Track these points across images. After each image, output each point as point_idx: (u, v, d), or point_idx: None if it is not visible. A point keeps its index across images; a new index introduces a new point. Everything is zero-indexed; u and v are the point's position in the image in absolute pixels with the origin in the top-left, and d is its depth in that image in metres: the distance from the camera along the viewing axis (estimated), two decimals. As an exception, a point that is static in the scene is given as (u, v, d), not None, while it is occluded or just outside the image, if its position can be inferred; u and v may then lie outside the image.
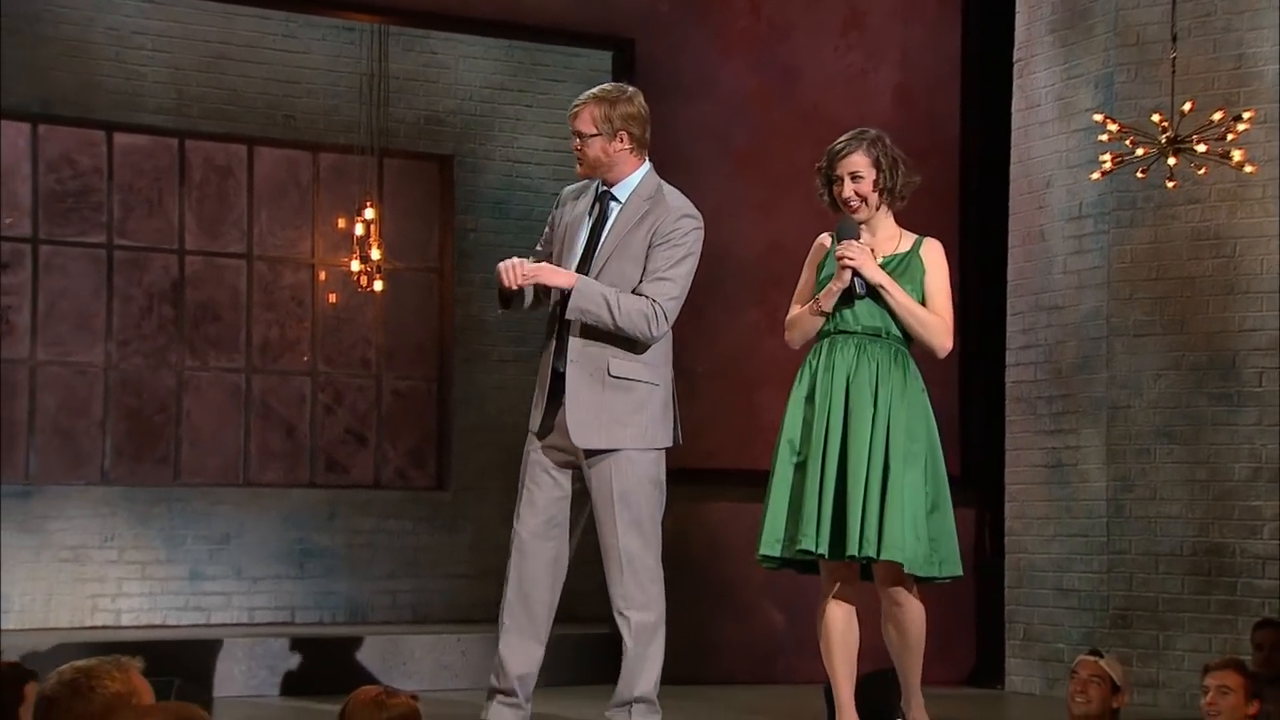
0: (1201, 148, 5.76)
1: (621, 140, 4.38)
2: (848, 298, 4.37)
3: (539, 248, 4.58)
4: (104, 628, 7.57)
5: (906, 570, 4.31)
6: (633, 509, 4.34)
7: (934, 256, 4.45)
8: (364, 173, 8.21)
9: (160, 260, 8.08)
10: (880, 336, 4.35)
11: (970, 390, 7.56)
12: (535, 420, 4.42)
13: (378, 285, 7.95)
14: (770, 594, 7.05)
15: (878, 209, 4.43)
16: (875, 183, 4.39)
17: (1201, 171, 5.92)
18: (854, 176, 4.40)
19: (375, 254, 8.00)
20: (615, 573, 4.37)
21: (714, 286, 7.44)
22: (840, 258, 4.35)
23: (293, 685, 6.36)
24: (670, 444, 4.48)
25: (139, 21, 7.96)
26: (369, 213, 8.04)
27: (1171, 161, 5.79)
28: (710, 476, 7.21)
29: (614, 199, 4.41)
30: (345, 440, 8.41)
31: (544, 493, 4.40)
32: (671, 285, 4.33)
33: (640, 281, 4.33)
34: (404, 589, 8.17)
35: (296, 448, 8.28)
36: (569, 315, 4.28)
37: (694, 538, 7.23)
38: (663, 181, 4.50)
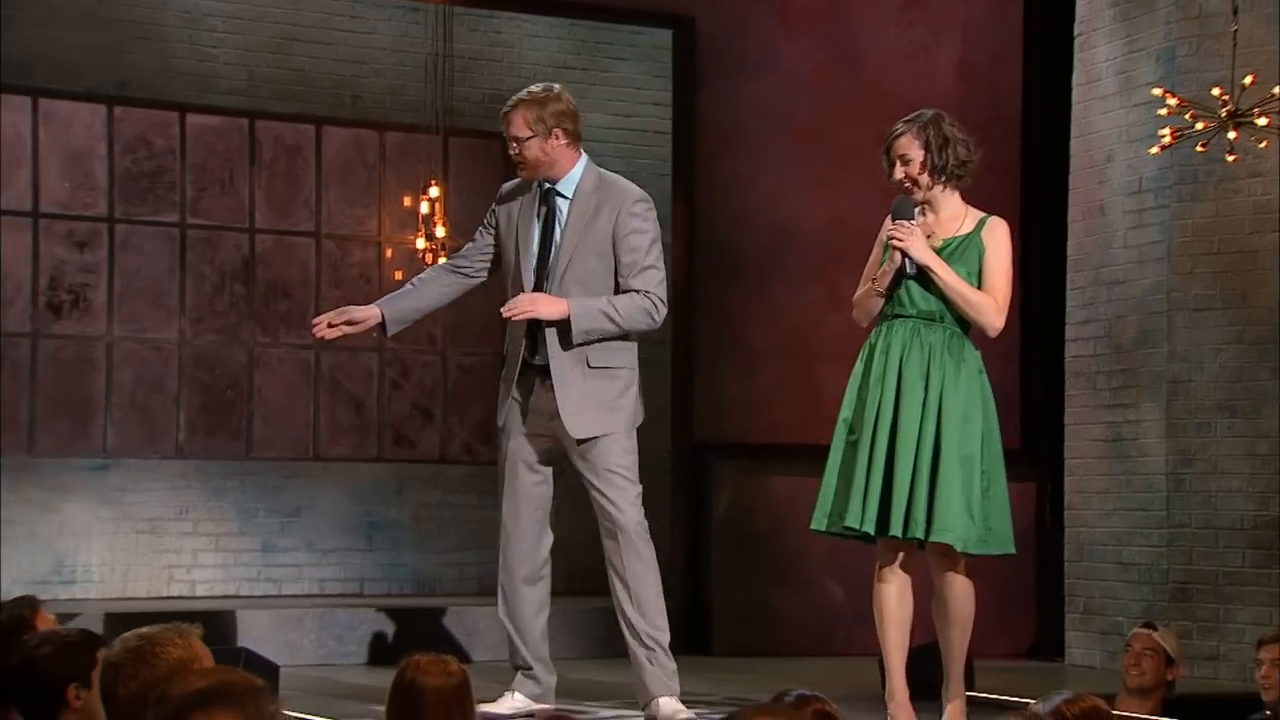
0: (1263, 121, 5.74)
1: (557, 137, 4.49)
2: (900, 277, 4.44)
3: (476, 239, 4.71)
4: (180, 598, 7.76)
5: (959, 549, 4.38)
6: (620, 486, 4.52)
7: (995, 237, 4.48)
8: (429, 151, 8.32)
9: (232, 239, 8.24)
10: (935, 320, 4.41)
11: (1031, 365, 7.57)
12: (513, 417, 4.57)
13: (442, 263, 8.04)
14: (831, 567, 7.11)
15: (931, 189, 4.47)
16: (923, 164, 4.44)
17: (1262, 145, 5.90)
18: (903, 159, 4.46)
19: (440, 231, 8.11)
20: (613, 544, 4.54)
21: (776, 262, 7.51)
22: (889, 238, 4.41)
23: (361, 655, 6.51)
24: (640, 420, 4.66)
25: (210, 4, 8.11)
26: (434, 191, 8.15)
27: (1232, 135, 5.77)
28: (772, 451, 7.29)
29: (560, 195, 4.52)
30: (412, 415, 8.54)
31: (524, 485, 4.59)
32: (656, 271, 4.51)
33: (620, 277, 4.47)
34: (470, 561, 8.30)
35: (365, 423, 8.43)
36: (576, 340, 4.43)
37: (755, 511, 7.31)
38: (600, 169, 4.62)
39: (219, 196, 8.22)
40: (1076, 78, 7.13)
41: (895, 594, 4.49)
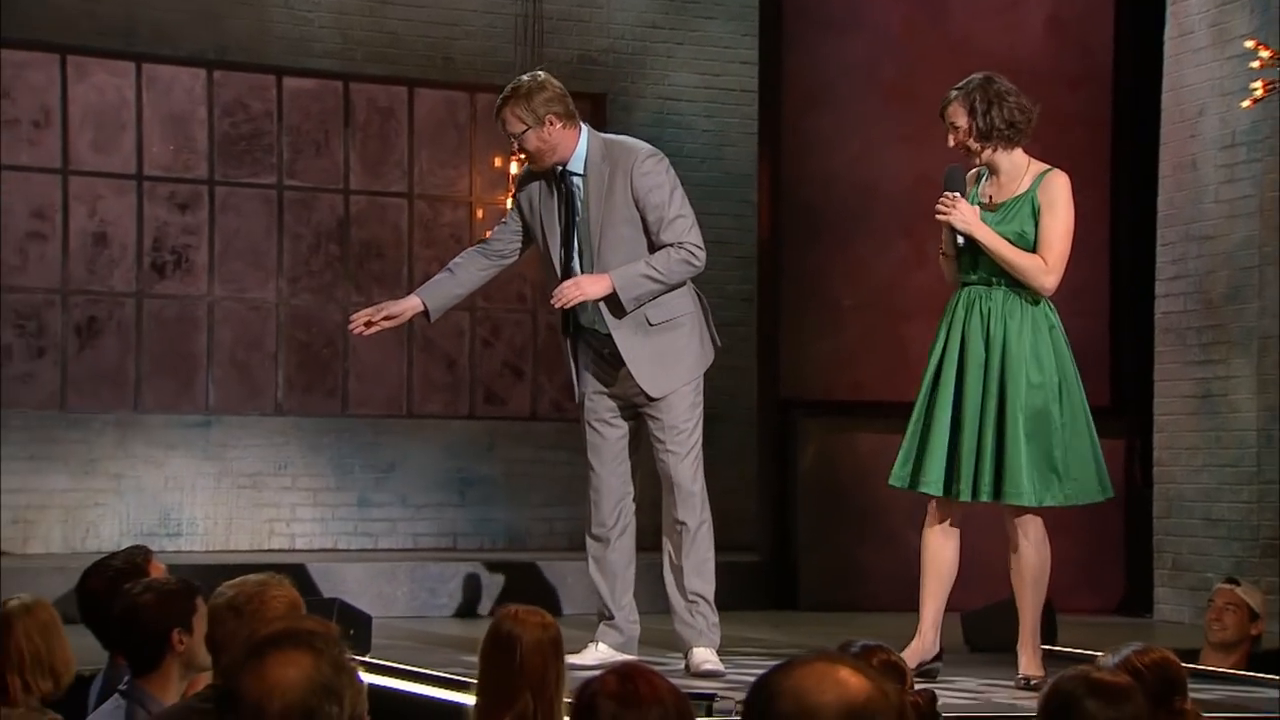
0: (1356, 73, 5.67)
1: (550, 123, 4.55)
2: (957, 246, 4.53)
3: (506, 222, 4.82)
4: (280, 550, 7.97)
5: (1034, 505, 4.45)
6: (679, 442, 4.66)
7: (1050, 194, 4.50)
8: (520, 112, 8.40)
9: (327, 200, 8.42)
10: (993, 285, 4.48)
11: (1120, 321, 7.54)
12: (586, 380, 4.73)
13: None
14: (916, 522, 7.09)
15: (983, 153, 4.52)
16: (968, 130, 4.48)
17: (1356, 98, 5.83)
18: (952, 127, 4.51)
19: (530, 191, 8.20)
20: (670, 497, 4.70)
21: (862, 219, 7.53)
22: (936, 212, 4.49)
23: (452, 607, 6.67)
24: (711, 359, 4.75)
25: (306, -32, 8.26)
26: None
27: (1325, 88, 5.71)
28: (857, 408, 7.33)
29: (573, 175, 4.62)
30: (503, 373, 8.68)
31: (608, 441, 4.73)
32: (684, 220, 4.61)
33: (651, 234, 4.58)
34: (559, 517, 8.42)
35: (457, 381, 8.59)
36: (629, 309, 4.56)
37: (840, 467, 7.36)
38: (602, 134, 4.71)
39: (314, 158, 8.39)
40: (1168, 30, 7.06)
41: (933, 547, 4.61)
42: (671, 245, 4.57)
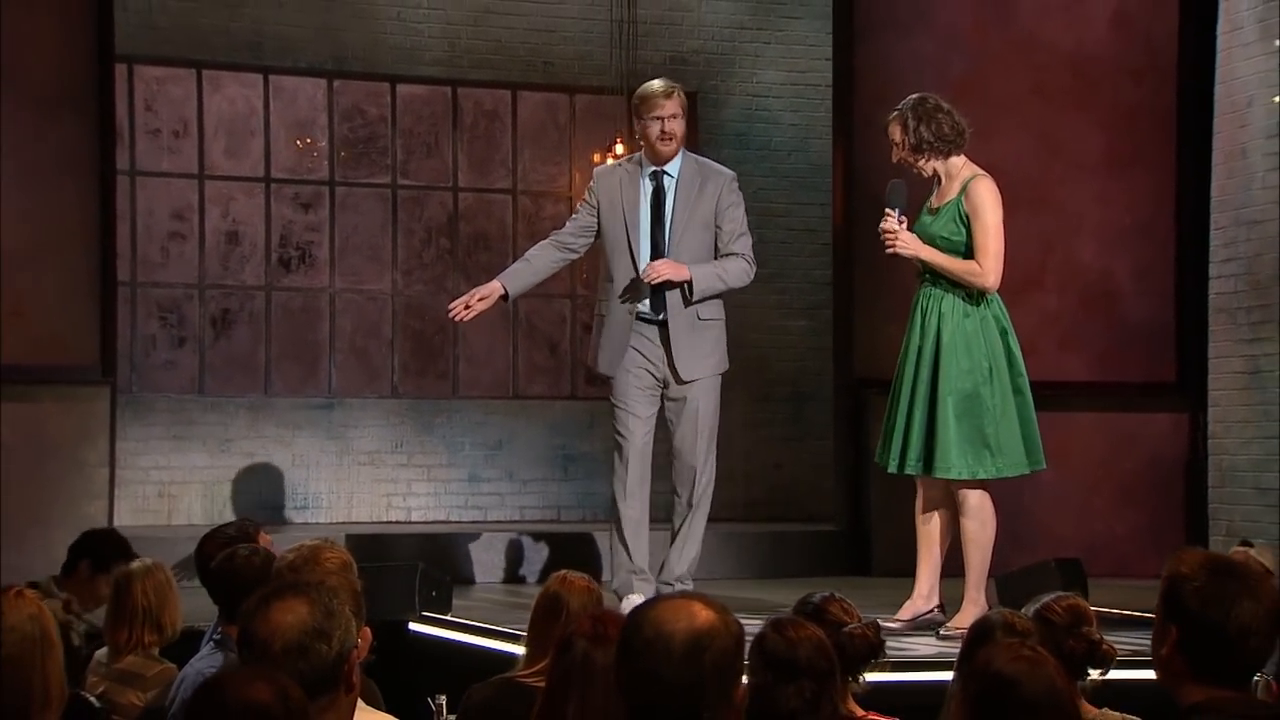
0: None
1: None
2: None
3: (578, 217, 5.44)
4: (397, 522, 8.62)
5: (962, 478, 4.97)
6: (706, 427, 5.33)
7: (975, 201, 4.98)
8: (615, 112, 8.91)
9: (437, 197, 9.04)
10: (933, 282, 5.02)
11: (1185, 302, 7.83)
12: (630, 359, 5.31)
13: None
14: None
15: (920, 164, 4.99)
16: (903, 144, 4.94)
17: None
18: (893, 144, 4.98)
19: (626, 186, 8.71)
20: (686, 475, 5.37)
21: (933, 209, 7.90)
22: (881, 237, 4.98)
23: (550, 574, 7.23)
24: (726, 365, 5.42)
25: (416, -18, 8.88)
26: (619, 148, 8.73)
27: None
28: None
29: (667, 175, 5.24)
30: (601, 356, 9.23)
31: (641, 418, 5.39)
32: (748, 237, 5.33)
33: (721, 243, 5.25)
34: (657, 490, 8.79)
35: (559, 363, 9.16)
36: (695, 299, 5.19)
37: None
38: (694, 155, 5.41)
39: (425, 159, 9.01)
40: (1221, 25, 7.34)
41: (920, 517, 5.15)
42: (737, 255, 5.24)
